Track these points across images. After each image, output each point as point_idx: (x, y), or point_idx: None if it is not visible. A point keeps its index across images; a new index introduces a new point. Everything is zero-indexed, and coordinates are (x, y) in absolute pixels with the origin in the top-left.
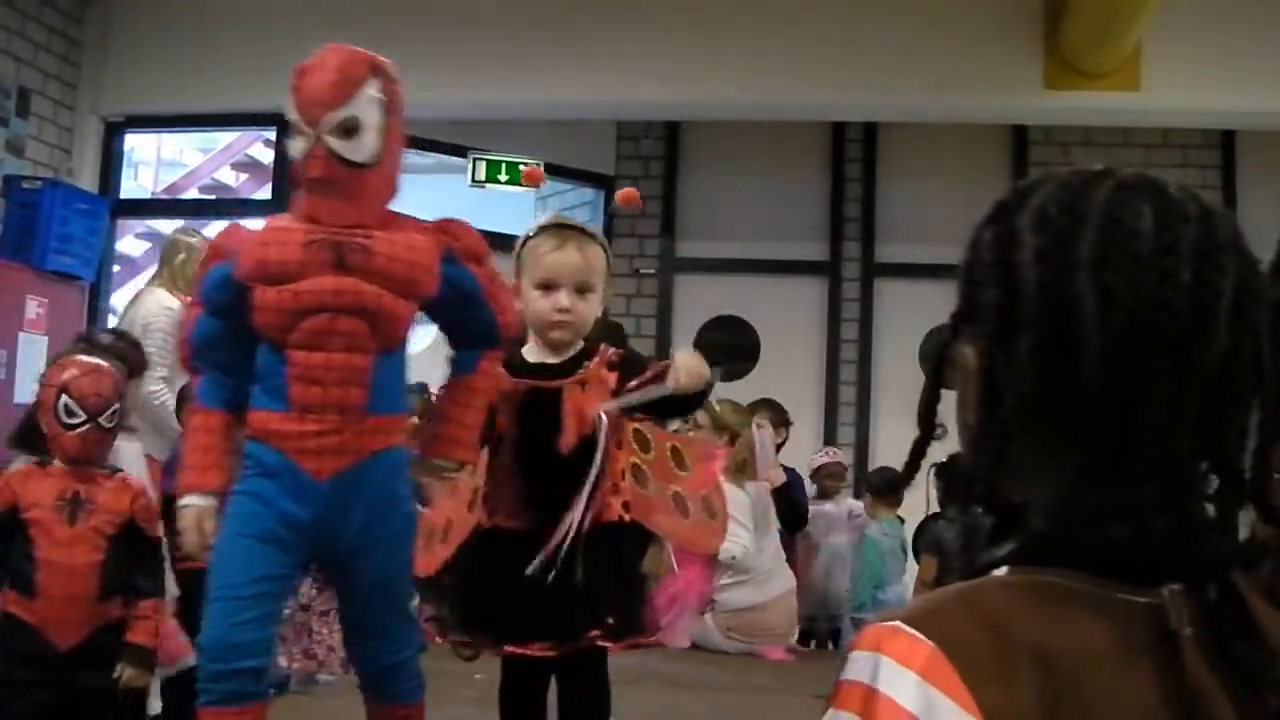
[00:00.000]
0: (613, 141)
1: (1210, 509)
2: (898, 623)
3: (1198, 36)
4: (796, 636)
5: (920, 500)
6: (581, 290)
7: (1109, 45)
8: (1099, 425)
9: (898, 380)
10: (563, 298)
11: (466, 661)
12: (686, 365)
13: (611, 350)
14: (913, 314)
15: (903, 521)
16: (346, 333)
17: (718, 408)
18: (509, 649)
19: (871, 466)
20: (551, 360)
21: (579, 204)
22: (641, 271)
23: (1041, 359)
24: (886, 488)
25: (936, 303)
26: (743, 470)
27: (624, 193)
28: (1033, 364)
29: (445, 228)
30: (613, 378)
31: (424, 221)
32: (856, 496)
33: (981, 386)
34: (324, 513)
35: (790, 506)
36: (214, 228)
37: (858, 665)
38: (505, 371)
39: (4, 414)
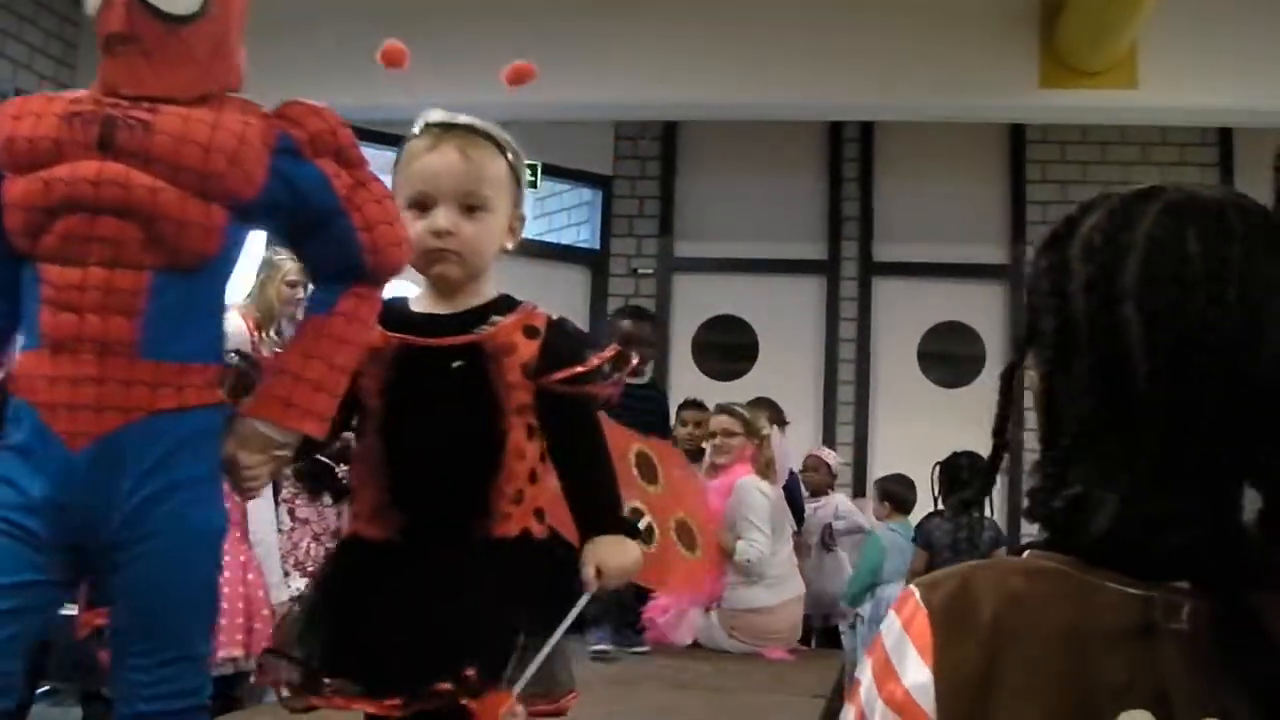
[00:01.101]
0: (610, 141)
1: (1252, 521)
2: (913, 587)
3: (1194, 34)
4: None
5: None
6: (469, 206)
7: (1105, 43)
8: (1149, 442)
9: (896, 379)
10: (440, 216)
11: (292, 714)
12: (608, 564)
13: (539, 311)
14: (911, 313)
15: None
16: (109, 239)
17: (748, 413)
18: (356, 704)
19: (870, 465)
20: (441, 310)
21: (577, 204)
22: (639, 271)
23: (1095, 382)
24: (899, 498)
25: (935, 301)
26: (768, 473)
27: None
28: (1088, 387)
29: (286, 110)
30: (530, 350)
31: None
32: (857, 496)
33: (1043, 409)
34: (80, 497)
35: (790, 506)
36: None
37: (885, 620)
38: (379, 324)
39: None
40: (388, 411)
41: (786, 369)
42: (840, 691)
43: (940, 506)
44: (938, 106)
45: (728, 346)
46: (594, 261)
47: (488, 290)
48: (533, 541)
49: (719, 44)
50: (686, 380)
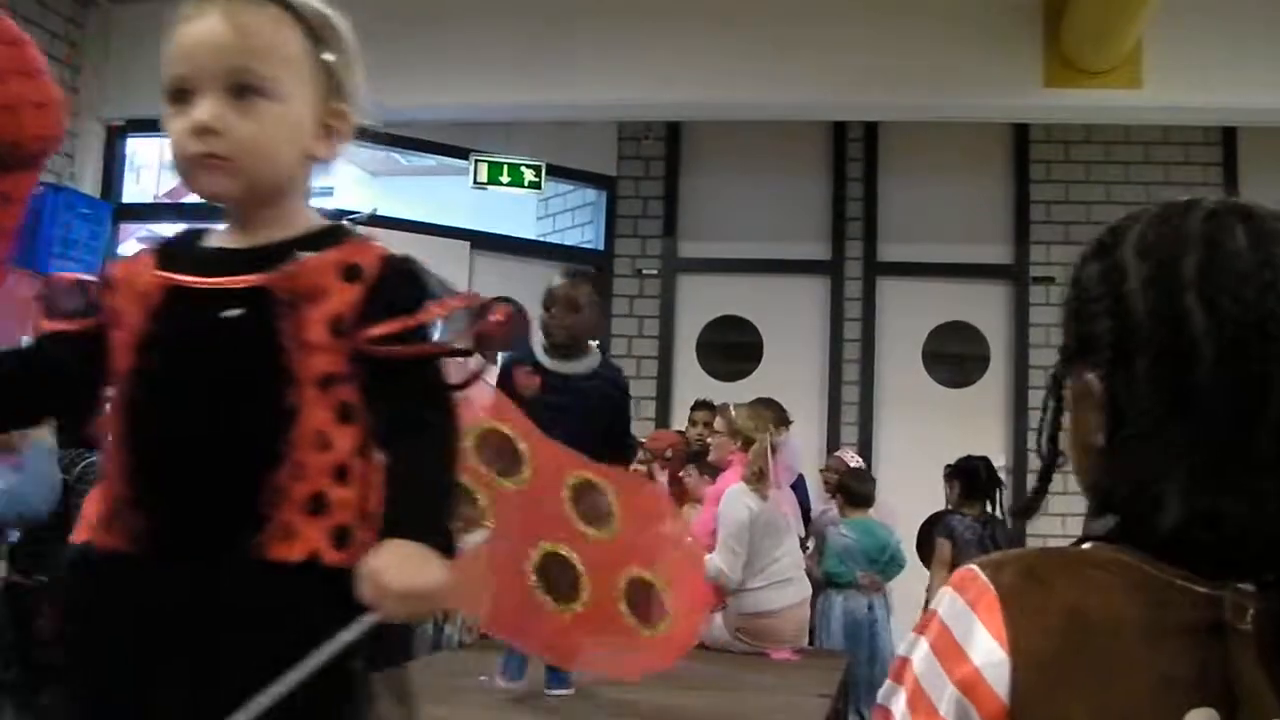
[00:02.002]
0: (614, 142)
1: None
2: (976, 566)
3: (1199, 33)
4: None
5: (915, 499)
6: (241, 91)
7: (1110, 42)
8: (1216, 431)
9: (901, 379)
10: (203, 108)
11: None
12: (389, 581)
13: (373, 245)
14: (915, 313)
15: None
16: None
17: (733, 412)
18: None
19: (875, 466)
20: (236, 244)
21: (581, 204)
22: (644, 272)
23: (1160, 375)
24: (852, 492)
25: (939, 301)
26: (760, 480)
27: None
28: (1150, 381)
29: None
30: (347, 298)
31: None
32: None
33: (1106, 410)
34: None
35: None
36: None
37: (940, 596)
38: (146, 263)
39: None
40: (136, 375)
41: (791, 369)
42: (845, 691)
43: (948, 507)
44: (942, 106)
45: (732, 347)
46: (598, 262)
47: (299, 216)
48: (318, 572)
49: (723, 44)
50: (691, 381)
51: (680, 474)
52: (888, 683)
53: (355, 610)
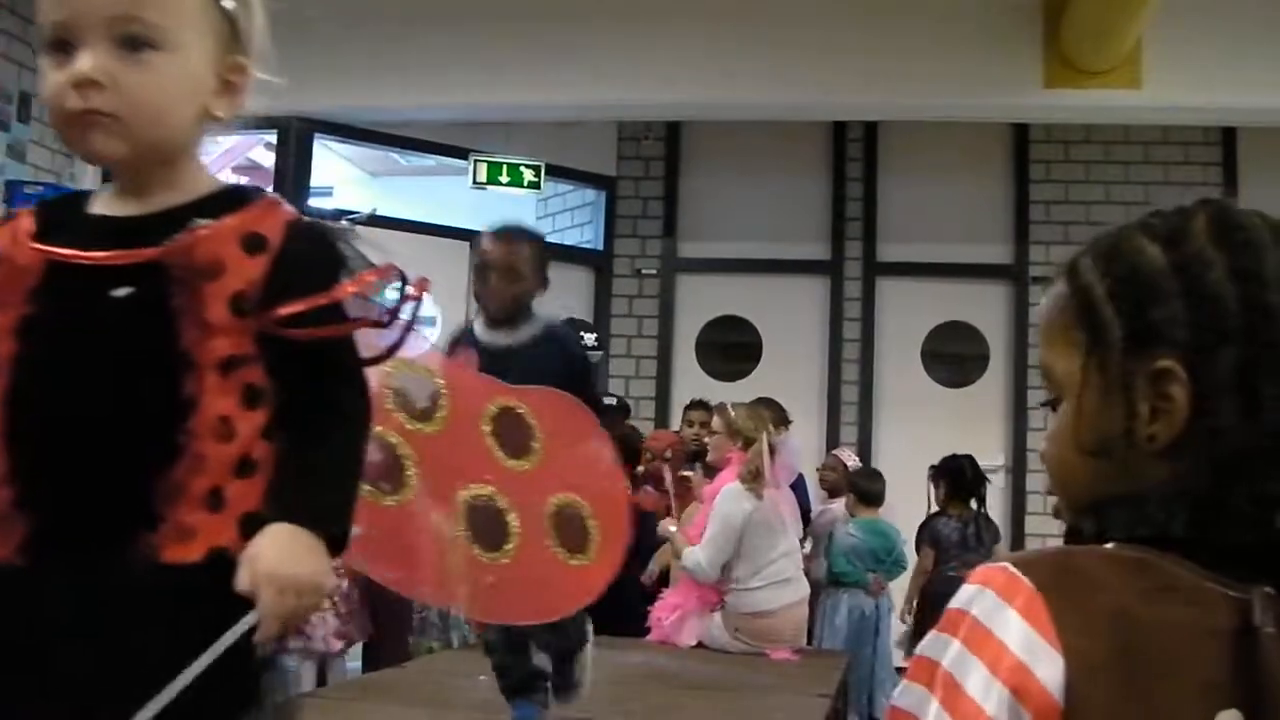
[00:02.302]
0: (614, 142)
1: None
2: (1007, 564)
3: (1198, 34)
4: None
5: (915, 499)
6: (129, 40)
7: (1109, 43)
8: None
9: (900, 379)
10: (85, 59)
11: None
12: (270, 569)
13: (281, 208)
14: (915, 313)
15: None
16: None
17: (732, 412)
18: None
19: (874, 465)
20: (126, 211)
21: (580, 204)
22: (643, 272)
23: (1250, 369)
24: (864, 492)
25: (939, 301)
26: (755, 479)
27: None
28: (1243, 373)
29: None
30: (250, 272)
31: None
32: None
33: (1192, 397)
34: None
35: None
36: None
37: (965, 595)
38: (24, 234)
39: None
40: (17, 363)
41: (790, 369)
42: (843, 691)
43: (934, 507)
44: (942, 106)
45: (731, 347)
46: (598, 262)
47: (195, 179)
48: (228, 569)
49: (722, 44)
50: (690, 381)
51: (681, 474)
52: (908, 685)
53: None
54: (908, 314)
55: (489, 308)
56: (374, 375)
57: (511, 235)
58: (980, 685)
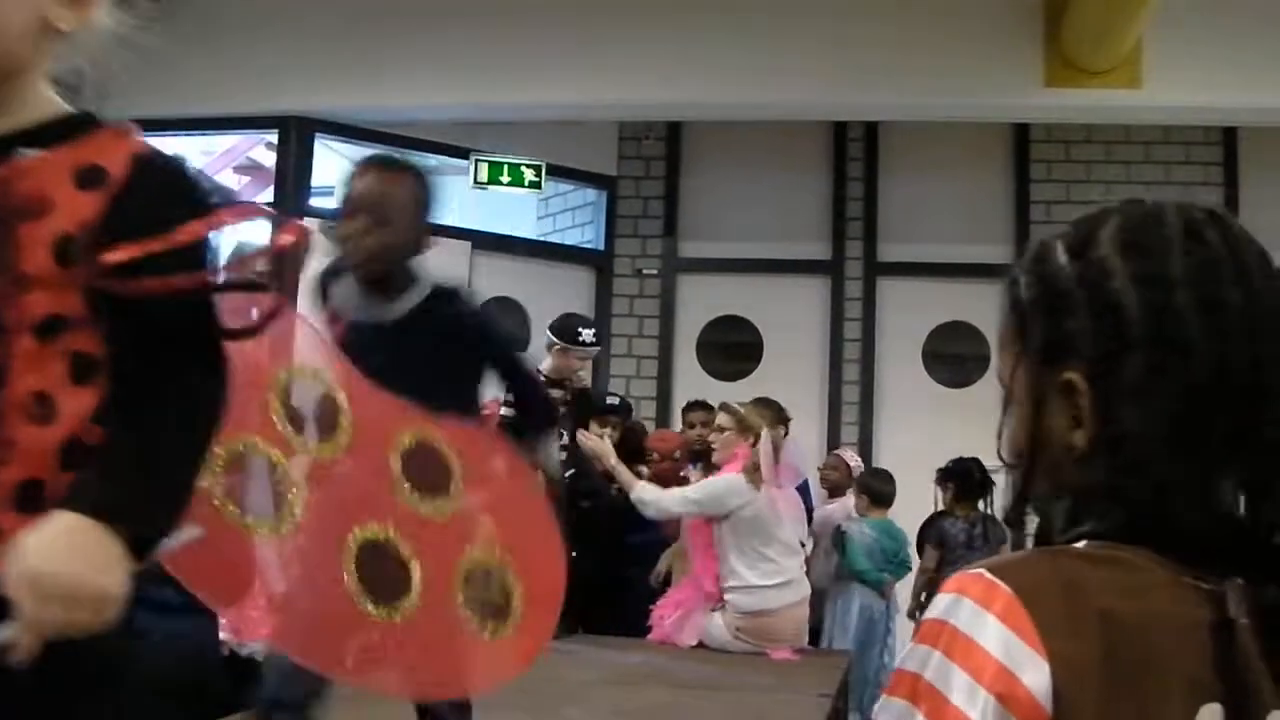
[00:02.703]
0: (614, 142)
1: None
2: (981, 570)
3: (1199, 33)
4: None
5: (916, 499)
6: None
7: (1110, 42)
8: (1215, 425)
9: (901, 379)
10: None
11: None
12: (34, 567)
13: (129, 137)
14: (916, 312)
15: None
16: None
17: (742, 409)
18: None
19: (875, 465)
20: None
21: (581, 204)
22: (644, 272)
23: (1154, 375)
24: (876, 492)
25: (939, 301)
26: (754, 476)
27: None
28: (1146, 378)
29: None
30: (83, 211)
31: None
32: None
33: (1095, 407)
34: None
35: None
36: None
37: (941, 605)
38: None
39: None
40: None
41: (791, 369)
42: (844, 691)
43: (941, 508)
44: (942, 106)
45: (732, 346)
46: (598, 262)
47: (33, 103)
48: None
49: (723, 44)
50: (691, 381)
51: (682, 474)
52: (888, 700)
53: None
54: (908, 314)
55: (352, 260)
56: (255, 365)
57: (385, 166)
58: (965, 694)
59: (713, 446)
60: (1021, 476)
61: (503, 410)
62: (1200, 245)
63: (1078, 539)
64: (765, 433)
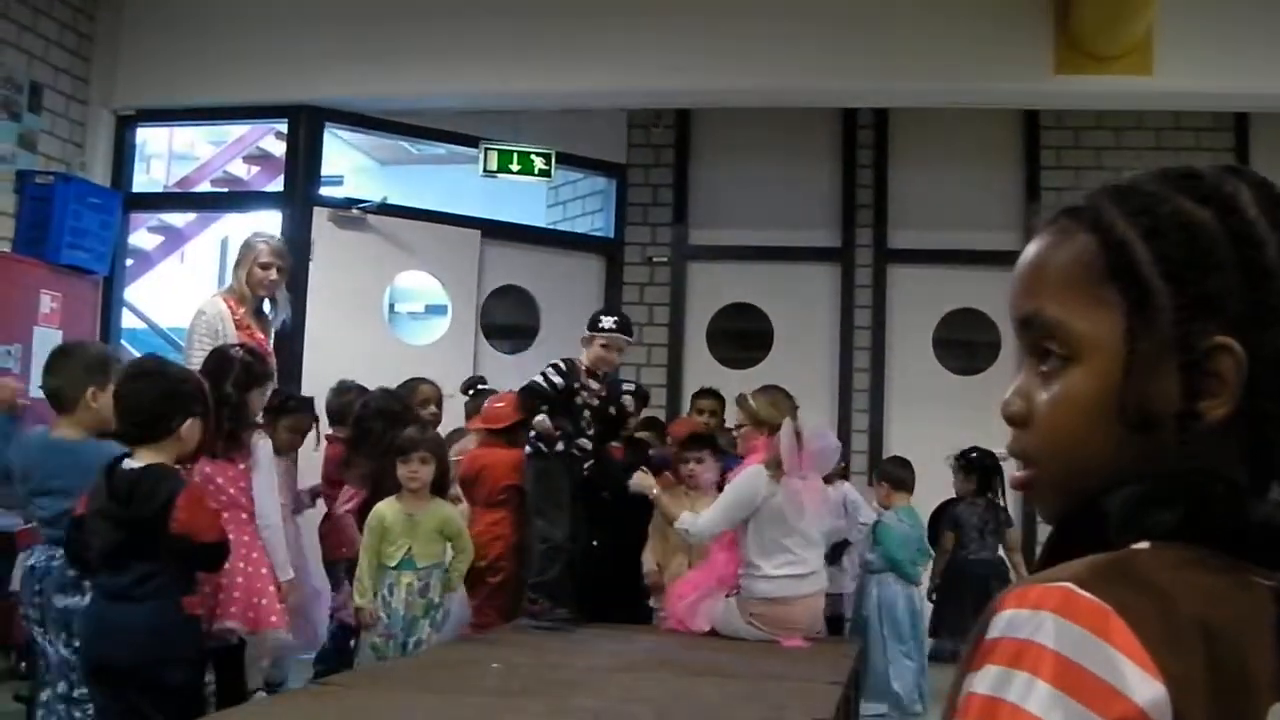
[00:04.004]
0: (624, 130)
1: None
2: (1067, 584)
3: (1210, 19)
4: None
5: (927, 485)
6: None
7: (1121, 29)
8: None
9: (911, 366)
10: None
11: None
12: None
13: None
14: (926, 300)
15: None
16: None
17: (753, 402)
18: None
19: (886, 452)
20: None
21: (591, 192)
22: (654, 260)
23: None
24: (898, 479)
25: (950, 288)
26: (774, 468)
27: None
28: None
29: None
30: None
31: None
32: (872, 484)
33: (1241, 379)
34: None
35: None
36: (226, 221)
37: (1020, 624)
38: None
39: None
40: None
41: (801, 357)
42: (855, 679)
43: (957, 494)
44: (952, 93)
45: (742, 334)
46: (609, 250)
47: None
48: None
49: (732, 31)
50: (702, 368)
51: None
52: None
53: None
54: (919, 301)
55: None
56: None
57: None
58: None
59: (718, 433)
60: (1133, 448)
61: None
62: None
63: (1137, 538)
64: (786, 423)
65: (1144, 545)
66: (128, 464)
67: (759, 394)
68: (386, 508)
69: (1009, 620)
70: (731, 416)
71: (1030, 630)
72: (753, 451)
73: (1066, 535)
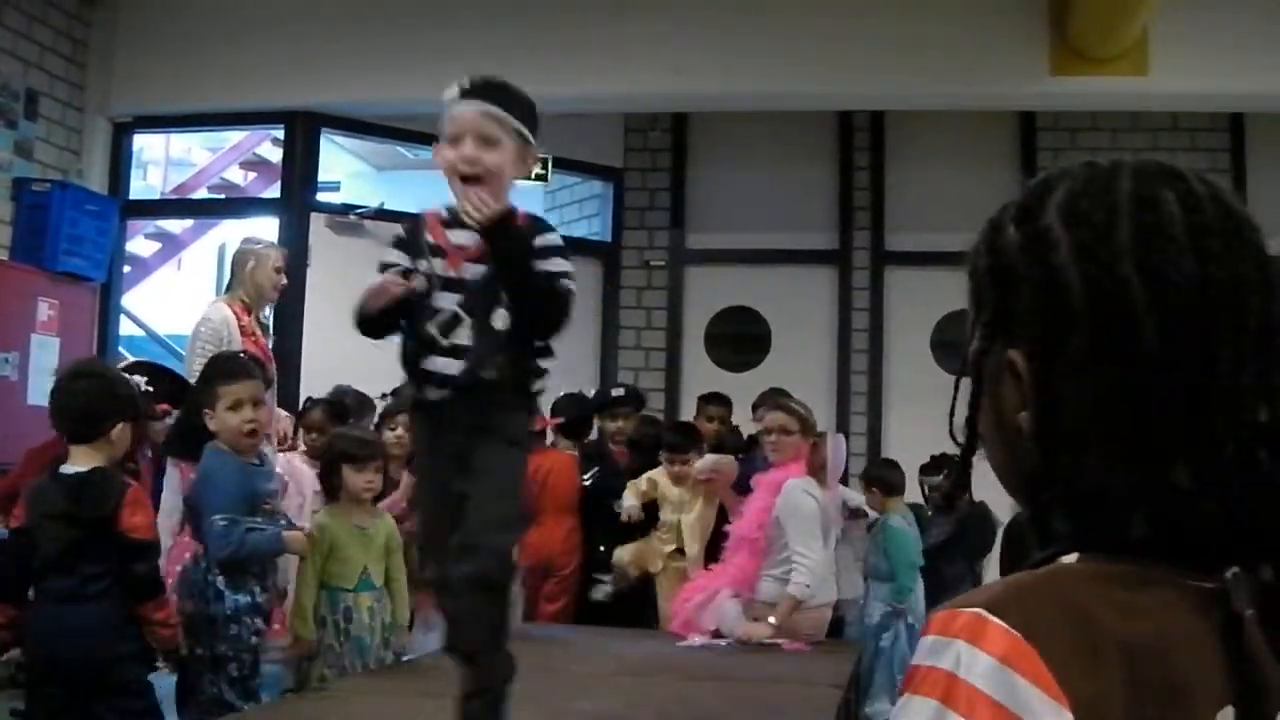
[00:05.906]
0: (621, 134)
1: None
2: (979, 609)
3: (1206, 20)
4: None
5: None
6: None
7: (1117, 30)
8: (1171, 410)
9: (909, 369)
10: None
11: None
12: None
13: None
14: (923, 301)
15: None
16: None
17: (804, 410)
18: None
19: (884, 455)
20: None
21: (588, 196)
22: (652, 264)
23: (1099, 353)
24: (888, 482)
25: (947, 290)
26: (820, 475)
27: None
28: (1091, 359)
29: None
30: None
31: None
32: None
33: (1037, 391)
34: None
35: None
36: (224, 227)
37: (937, 651)
38: None
39: (17, 415)
40: None
41: (799, 359)
42: (856, 683)
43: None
44: (948, 95)
45: (740, 337)
46: (606, 254)
47: None
48: None
49: (729, 35)
50: (699, 371)
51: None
52: None
53: None
54: (916, 303)
55: None
56: None
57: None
58: None
59: (771, 443)
60: (960, 462)
61: None
62: (1151, 211)
63: (1064, 550)
64: (833, 435)
65: (1073, 558)
66: (66, 468)
67: (782, 399)
68: (330, 520)
69: (929, 646)
70: (738, 420)
71: (938, 657)
72: (794, 460)
73: (1013, 549)
